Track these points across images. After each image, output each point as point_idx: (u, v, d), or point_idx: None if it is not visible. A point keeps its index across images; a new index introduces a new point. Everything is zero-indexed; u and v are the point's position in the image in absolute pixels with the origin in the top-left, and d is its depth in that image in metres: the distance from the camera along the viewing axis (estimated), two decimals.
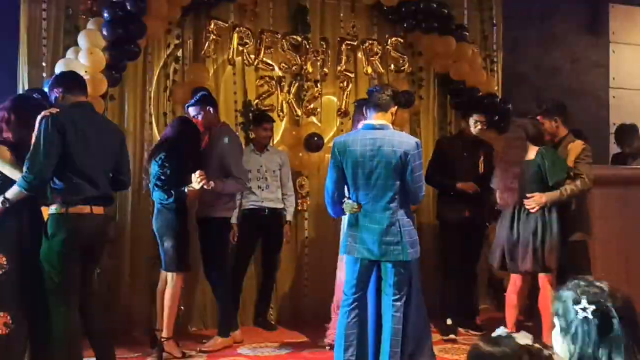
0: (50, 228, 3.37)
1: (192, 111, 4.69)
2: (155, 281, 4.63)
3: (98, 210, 3.47)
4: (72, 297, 3.42)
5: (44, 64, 4.82)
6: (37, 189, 3.30)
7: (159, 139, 4.84)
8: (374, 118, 3.62)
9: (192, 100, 4.72)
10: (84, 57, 4.56)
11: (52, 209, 3.40)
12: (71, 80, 3.63)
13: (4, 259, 3.30)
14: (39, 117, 3.34)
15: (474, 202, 5.05)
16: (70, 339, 3.40)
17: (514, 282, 4.34)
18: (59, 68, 4.50)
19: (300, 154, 5.60)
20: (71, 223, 3.37)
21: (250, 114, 5.43)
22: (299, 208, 5.62)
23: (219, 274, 4.69)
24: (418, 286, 3.90)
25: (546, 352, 1.33)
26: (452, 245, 5.12)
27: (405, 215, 3.53)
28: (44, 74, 4.77)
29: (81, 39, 4.64)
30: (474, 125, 5.14)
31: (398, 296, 3.54)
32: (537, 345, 1.35)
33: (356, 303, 3.62)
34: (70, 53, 4.66)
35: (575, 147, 4.34)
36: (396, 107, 3.67)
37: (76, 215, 3.38)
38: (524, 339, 1.36)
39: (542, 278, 4.17)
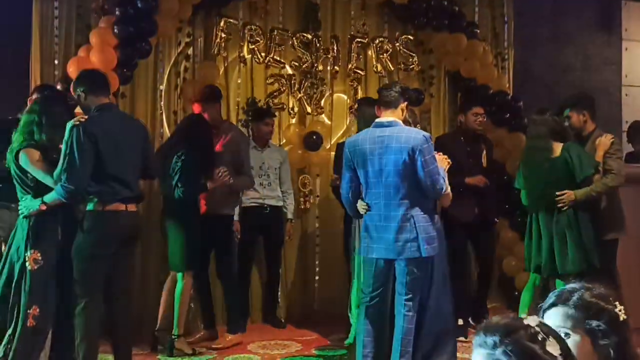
0: (87, 223, 3.49)
1: (198, 108, 4.67)
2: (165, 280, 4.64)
3: (132, 207, 3.62)
4: (96, 292, 3.50)
5: (55, 62, 4.84)
6: (76, 198, 3.43)
7: (172, 135, 4.80)
8: (383, 116, 3.62)
9: (200, 96, 4.70)
10: (96, 55, 4.57)
11: (90, 206, 3.51)
12: (92, 80, 3.68)
13: (38, 254, 3.41)
14: (68, 126, 3.41)
15: (482, 198, 4.97)
16: (88, 332, 3.47)
17: (533, 281, 4.29)
18: (71, 66, 4.52)
19: (300, 152, 5.60)
20: (108, 220, 3.51)
21: (251, 110, 5.41)
22: (302, 207, 5.62)
23: (229, 271, 4.70)
24: (443, 283, 3.75)
25: (541, 336, 1.28)
26: (461, 244, 5.05)
27: (421, 211, 3.48)
28: (56, 72, 4.80)
29: (93, 37, 4.66)
30: (474, 118, 5.03)
31: (410, 295, 3.51)
32: (541, 327, 1.30)
33: (374, 301, 3.61)
34: (81, 51, 4.67)
35: (604, 141, 4.23)
36: (406, 103, 3.64)
37: (112, 212, 3.52)
38: (532, 320, 1.31)
39: (565, 278, 4.04)
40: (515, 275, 5.69)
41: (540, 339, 1.26)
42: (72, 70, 4.41)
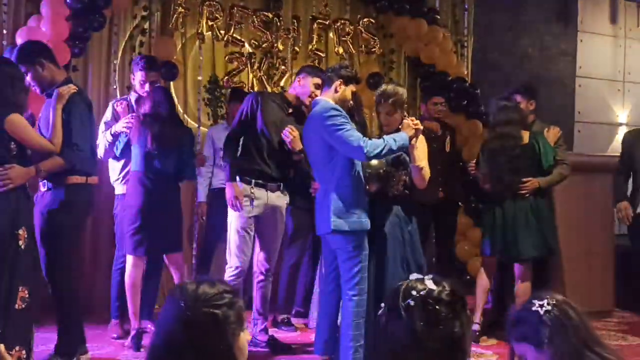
0: (70, 196, 3.42)
1: (145, 77, 4.22)
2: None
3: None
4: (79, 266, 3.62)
5: (4, 31, 4.64)
6: (82, 163, 3.42)
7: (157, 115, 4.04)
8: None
9: (146, 64, 4.27)
10: (47, 25, 4.40)
11: (72, 178, 3.42)
12: (49, 50, 3.55)
13: (25, 231, 3.15)
14: (65, 94, 3.34)
15: (446, 181, 4.91)
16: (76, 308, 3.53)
17: (489, 266, 4.34)
18: (20, 36, 4.34)
19: None
20: (89, 193, 3.56)
21: (225, 90, 5.31)
22: None
23: None
24: (405, 267, 3.53)
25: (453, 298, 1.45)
26: (425, 227, 4.99)
27: (338, 184, 3.33)
28: (4, 42, 4.61)
29: (44, 6, 4.48)
30: (434, 107, 5.02)
31: (346, 278, 3.32)
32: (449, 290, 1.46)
33: (326, 282, 3.57)
34: (32, 21, 4.50)
35: (554, 133, 4.36)
36: (340, 81, 3.49)
37: (92, 186, 3.59)
38: (451, 286, 1.48)
39: (523, 266, 4.14)
40: (468, 260, 5.78)
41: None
42: (21, 41, 4.23)
